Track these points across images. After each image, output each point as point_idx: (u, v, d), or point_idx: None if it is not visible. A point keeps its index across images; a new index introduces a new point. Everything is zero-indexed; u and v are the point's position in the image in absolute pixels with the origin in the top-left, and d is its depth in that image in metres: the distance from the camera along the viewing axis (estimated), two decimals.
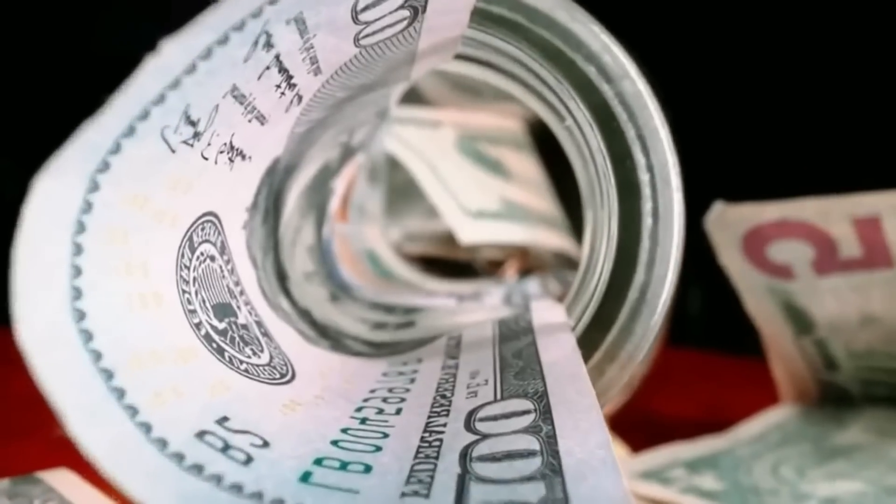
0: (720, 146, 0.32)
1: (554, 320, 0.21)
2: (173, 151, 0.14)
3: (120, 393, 0.12)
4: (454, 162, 0.46)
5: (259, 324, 0.20)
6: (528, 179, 0.49)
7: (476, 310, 0.27)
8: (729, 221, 0.36)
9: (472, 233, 0.42)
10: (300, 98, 0.19)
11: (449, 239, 0.48)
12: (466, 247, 0.44)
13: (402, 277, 0.41)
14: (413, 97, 0.50)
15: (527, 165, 0.50)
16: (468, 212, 0.43)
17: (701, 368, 0.50)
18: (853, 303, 0.37)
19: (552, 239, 0.45)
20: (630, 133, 0.20)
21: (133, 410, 0.12)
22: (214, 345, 0.17)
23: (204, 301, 0.17)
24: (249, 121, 0.17)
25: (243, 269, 0.20)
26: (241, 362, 0.17)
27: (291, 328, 0.22)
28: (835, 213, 0.34)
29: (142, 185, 0.14)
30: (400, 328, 0.26)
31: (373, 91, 0.23)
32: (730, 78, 0.38)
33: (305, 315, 0.24)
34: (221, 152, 0.17)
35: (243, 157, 0.18)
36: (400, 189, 0.50)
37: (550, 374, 0.18)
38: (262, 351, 0.19)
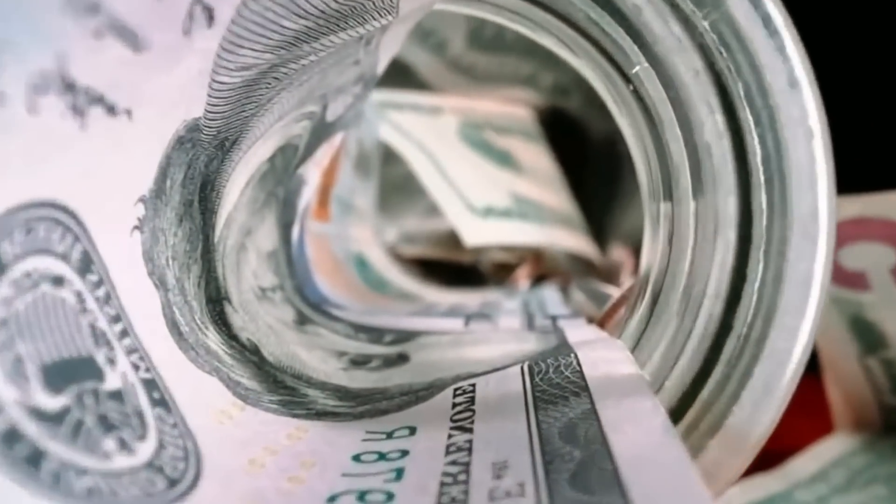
0: None
1: (617, 370, 0.13)
2: None
3: None
4: (457, 152, 0.38)
5: (150, 384, 0.11)
6: (540, 173, 0.40)
7: (489, 337, 0.19)
8: None
9: (479, 233, 0.33)
10: (209, 13, 0.11)
11: (451, 240, 0.40)
12: (471, 249, 0.36)
13: (397, 286, 0.32)
14: (408, 80, 0.42)
15: (538, 157, 0.42)
16: (474, 209, 0.34)
17: None
18: None
19: (569, 240, 0.37)
20: (738, 84, 0.12)
21: None
22: (23, 449, 0.08)
23: (20, 361, 0.09)
24: (98, 35, 0.09)
25: (133, 294, 0.12)
26: (83, 473, 0.09)
27: (217, 380, 0.13)
28: None
29: None
30: (388, 366, 0.18)
31: (344, 28, 0.15)
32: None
33: (250, 353, 0.16)
34: (42, 92, 0.09)
35: (111, 109, 0.10)
36: (395, 183, 0.42)
37: (636, 482, 0.10)
38: (143, 437, 0.10)
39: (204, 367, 0.13)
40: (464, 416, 0.13)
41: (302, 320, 0.19)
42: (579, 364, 0.14)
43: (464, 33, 0.41)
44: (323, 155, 0.22)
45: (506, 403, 0.13)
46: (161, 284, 0.13)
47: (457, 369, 0.16)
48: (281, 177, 0.19)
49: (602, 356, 0.14)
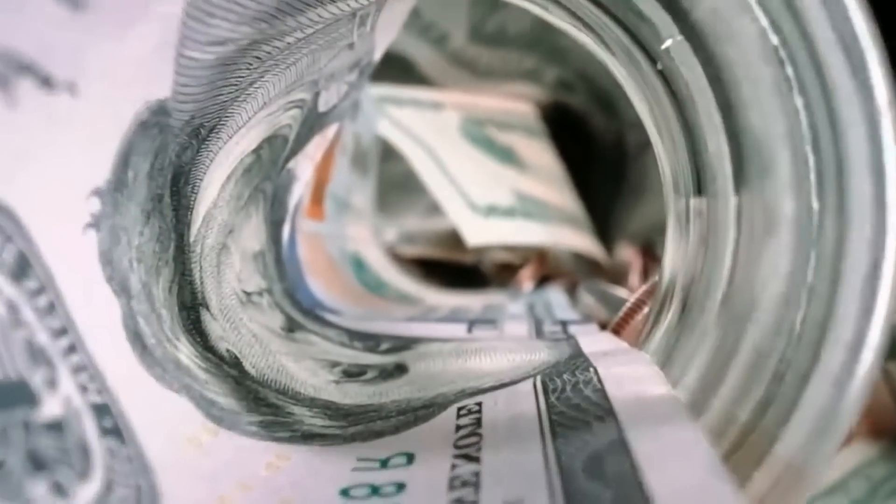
0: None
1: (646, 389, 0.11)
2: None
3: None
4: (459, 149, 0.36)
5: (100, 410, 0.09)
6: (543, 170, 0.39)
7: (495, 346, 0.17)
8: None
9: (482, 233, 0.32)
10: None
11: (452, 239, 0.38)
12: (473, 249, 0.34)
13: (396, 287, 0.30)
14: (407, 75, 0.40)
15: (542, 154, 0.40)
16: (476, 208, 0.33)
17: None
18: None
19: (575, 239, 0.35)
20: (791, 61, 0.10)
21: None
22: None
23: None
24: None
25: (85, 303, 0.10)
26: None
27: (187, 400, 0.12)
28: None
29: None
30: (384, 378, 0.16)
31: (333, 0, 0.13)
32: None
33: (229, 367, 0.14)
34: None
35: (46, 81, 0.08)
36: (395, 181, 0.40)
37: None
38: (84, 476, 0.08)
39: (172, 385, 0.11)
40: (469, 442, 0.11)
41: (291, 327, 0.18)
42: (600, 381, 0.12)
43: (465, 27, 0.39)
44: (315, 148, 0.20)
45: (518, 427, 0.11)
46: (122, 291, 0.11)
47: (460, 383, 0.15)
48: (268, 171, 0.17)
49: (626, 372, 0.12)
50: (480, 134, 0.38)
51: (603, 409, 0.11)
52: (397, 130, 0.34)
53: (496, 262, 0.38)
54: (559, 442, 0.10)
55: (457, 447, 0.11)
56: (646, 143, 0.38)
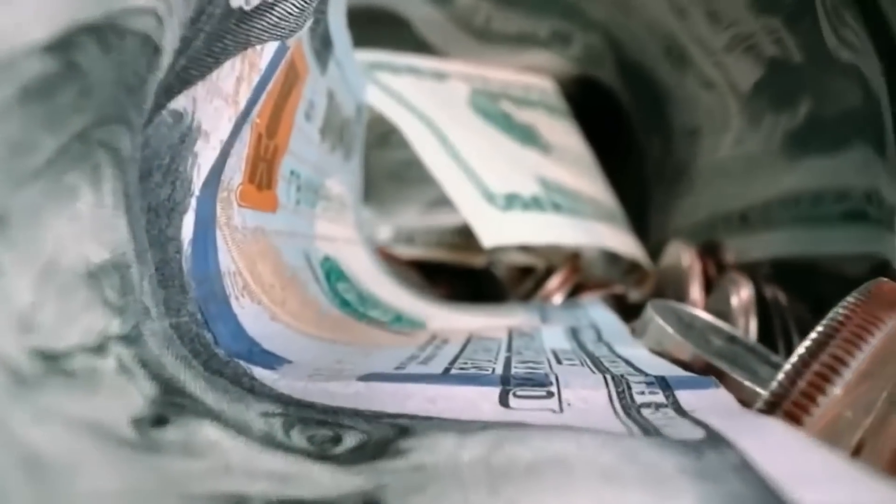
0: None
1: None
2: None
3: None
4: (469, 126, 0.27)
5: None
6: (570, 153, 0.29)
7: (566, 454, 0.08)
8: None
9: (501, 230, 0.22)
10: None
11: (459, 237, 0.29)
12: (489, 249, 0.25)
13: (386, 304, 0.21)
14: (404, 40, 0.30)
15: (567, 135, 0.30)
16: (493, 198, 0.23)
17: None
18: None
19: (615, 239, 0.26)
20: None
21: None
22: None
23: None
24: None
25: None
26: None
27: None
28: None
29: None
30: None
31: None
32: None
33: None
34: None
35: None
36: (391, 170, 0.30)
37: None
38: None
39: None
40: None
41: (164, 411, 0.08)
42: None
43: None
44: (236, 83, 0.11)
45: None
46: None
47: None
48: (116, 106, 0.08)
49: None
50: (495, 108, 0.28)
51: None
52: (390, 99, 0.25)
53: (514, 265, 0.28)
54: None
55: None
56: (694, 113, 0.28)
